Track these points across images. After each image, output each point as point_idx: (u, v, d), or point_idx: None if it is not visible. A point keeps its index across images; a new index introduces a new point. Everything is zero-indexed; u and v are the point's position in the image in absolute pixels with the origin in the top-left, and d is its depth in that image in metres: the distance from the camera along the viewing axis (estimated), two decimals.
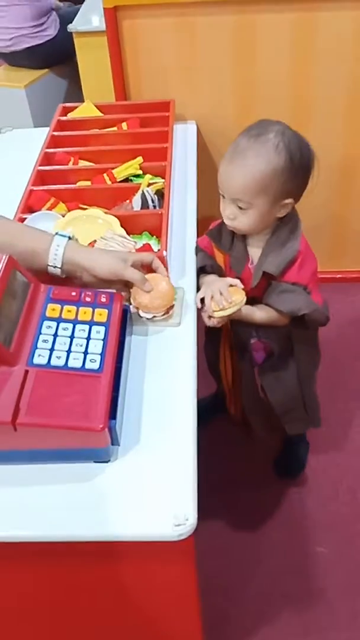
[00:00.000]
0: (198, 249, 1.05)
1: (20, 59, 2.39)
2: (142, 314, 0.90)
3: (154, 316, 0.90)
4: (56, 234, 0.87)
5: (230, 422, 1.27)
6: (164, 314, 0.91)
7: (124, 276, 0.87)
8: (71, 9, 2.24)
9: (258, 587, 1.18)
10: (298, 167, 0.90)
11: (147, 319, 0.91)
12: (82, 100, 1.49)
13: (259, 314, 0.98)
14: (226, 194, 0.92)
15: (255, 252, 0.99)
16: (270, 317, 0.98)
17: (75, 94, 2.57)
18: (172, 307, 0.92)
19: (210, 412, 1.38)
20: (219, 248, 1.02)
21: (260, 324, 0.99)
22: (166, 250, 0.98)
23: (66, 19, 2.11)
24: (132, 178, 1.20)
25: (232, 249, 1.00)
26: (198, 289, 0.97)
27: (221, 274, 1.02)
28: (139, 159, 1.21)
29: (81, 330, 0.80)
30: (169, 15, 1.40)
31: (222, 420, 1.35)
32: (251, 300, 0.98)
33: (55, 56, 2.37)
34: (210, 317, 0.94)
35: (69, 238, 0.87)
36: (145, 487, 0.71)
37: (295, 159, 0.89)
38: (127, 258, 0.88)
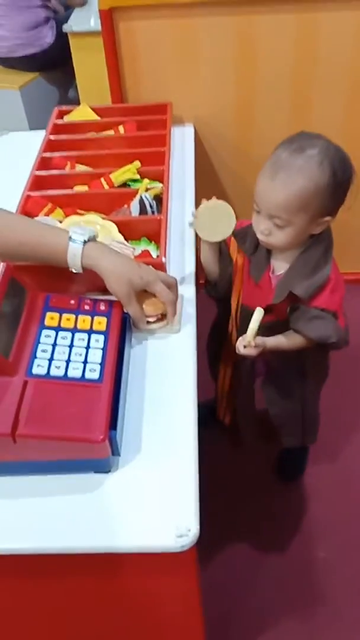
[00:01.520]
0: None
1: (16, 63, 2.37)
2: None
3: (148, 321, 0.90)
4: (70, 238, 0.83)
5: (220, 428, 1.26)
6: (157, 320, 0.90)
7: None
8: (69, 14, 2.22)
9: (260, 593, 1.17)
10: (340, 184, 0.87)
11: None
12: (77, 102, 1.48)
13: (286, 341, 0.96)
14: (263, 210, 0.88)
15: (278, 263, 0.96)
16: (296, 343, 0.95)
17: (70, 95, 2.56)
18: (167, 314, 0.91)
19: (213, 415, 1.38)
20: (241, 249, 0.99)
21: (288, 350, 0.97)
22: (165, 257, 0.97)
23: (64, 24, 2.10)
24: (129, 182, 1.19)
25: (254, 254, 0.98)
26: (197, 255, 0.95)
27: (227, 266, 1.00)
28: (137, 163, 1.20)
29: (80, 339, 0.80)
30: (166, 16, 1.39)
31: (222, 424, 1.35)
32: (273, 325, 0.96)
33: (52, 62, 2.36)
34: (245, 346, 0.91)
35: (85, 242, 0.83)
36: (146, 497, 0.71)
37: (338, 176, 0.85)
38: (149, 281, 0.85)
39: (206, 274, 1.05)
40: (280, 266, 0.96)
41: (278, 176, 0.85)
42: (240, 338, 0.92)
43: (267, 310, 0.96)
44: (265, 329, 0.98)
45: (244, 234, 0.97)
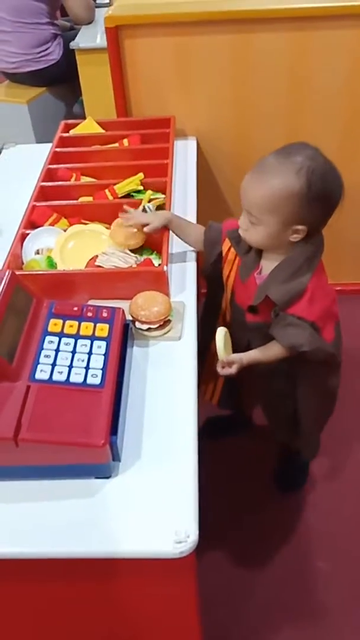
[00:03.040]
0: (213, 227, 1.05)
1: (24, 79, 2.42)
2: (138, 325, 0.91)
3: (149, 328, 0.91)
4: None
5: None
6: (158, 327, 0.91)
7: None
8: (76, 31, 2.27)
9: (258, 602, 1.17)
10: (315, 196, 0.86)
11: (143, 330, 0.91)
12: (81, 116, 1.51)
13: (262, 354, 0.97)
14: (243, 205, 0.92)
15: (266, 265, 0.97)
16: (275, 352, 0.96)
17: (75, 110, 2.61)
18: (168, 321, 0.93)
19: (219, 431, 1.38)
20: (235, 250, 1.01)
21: (268, 361, 0.98)
22: (167, 265, 0.99)
23: (70, 41, 2.15)
24: (133, 194, 1.21)
25: (246, 254, 0.99)
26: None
27: (214, 252, 1.04)
28: (140, 175, 1.22)
29: (83, 345, 0.81)
30: (169, 34, 1.43)
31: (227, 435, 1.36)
32: (260, 326, 0.98)
33: (58, 77, 2.40)
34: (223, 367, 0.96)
35: None
36: (146, 503, 0.71)
37: (314, 187, 0.86)
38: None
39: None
40: (267, 268, 0.97)
41: (257, 174, 0.89)
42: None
43: (252, 310, 0.99)
44: (253, 330, 1.01)
45: (238, 235, 0.99)
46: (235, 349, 1.02)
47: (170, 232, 1.07)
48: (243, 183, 0.91)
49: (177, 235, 1.08)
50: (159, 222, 1.04)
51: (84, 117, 1.50)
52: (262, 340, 0.99)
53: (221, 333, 0.95)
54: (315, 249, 0.94)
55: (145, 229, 1.04)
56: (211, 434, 1.35)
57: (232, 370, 0.95)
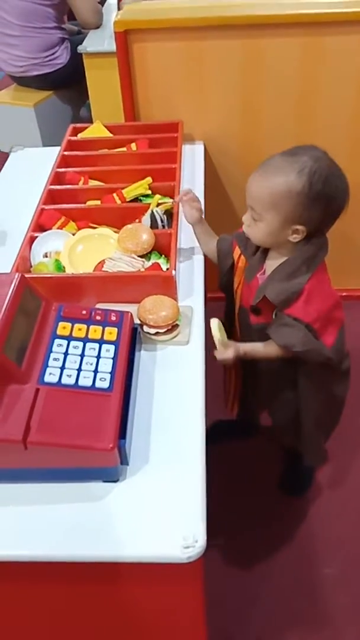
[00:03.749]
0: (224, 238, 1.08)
1: (31, 82, 2.44)
2: (146, 329, 0.91)
3: (157, 332, 0.91)
4: None
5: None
6: (166, 331, 0.92)
7: None
8: (84, 36, 2.29)
9: (264, 608, 1.16)
10: (315, 197, 0.88)
11: (151, 334, 0.91)
12: (88, 120, 1.51)
13: (262, 347, 0.99)
14: (247, 200, 0.94)
15: (270, 264, 0.98)
16: (272, 350, 0.97)
17: (81, 113, 2.62)
18: (176, 325, 0.93)
19: (225, 436, 1.38)
20: (242, 252, 1.03)
21: (264, 357, 0.99)
22: (175, 270, 0.99)
23: (78, 45, 2.16)
24: (141, 198, 1.22)
25: (253, 256, 1.01)
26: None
27: (226, 265, 1.07)
28: (149, 179, 1.23)
29: (91, 349, 0.81)
30: (178, 39, 1.43)
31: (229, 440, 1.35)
32: (263, 327, 0.98)
33: (65, 81, 2.42)
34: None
35: None
36: (154, 507, 0.71)
37: (314, 188, 0.87)
38: None
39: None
40: (270, 269, 0.98)
41: (262, 171, 0.91)
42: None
43: (254, 311, 1.00)
44: (256, 331, 1.02)
45: (245, 238, 1.01)
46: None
47: (179, 236, 1.08)
48: (249, 179, 0.93)
49: (199, 239, 1.11)
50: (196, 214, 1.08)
51: (90, 121, 1.51)
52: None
53: (215, 321, 0.97)
54: (315, 251, 0.94)
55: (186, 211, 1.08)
56: (217, 438, 1.35)
57: (229, 354, 0.96)
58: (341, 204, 0.92)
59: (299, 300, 0.93)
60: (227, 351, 0.97)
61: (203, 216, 1.10)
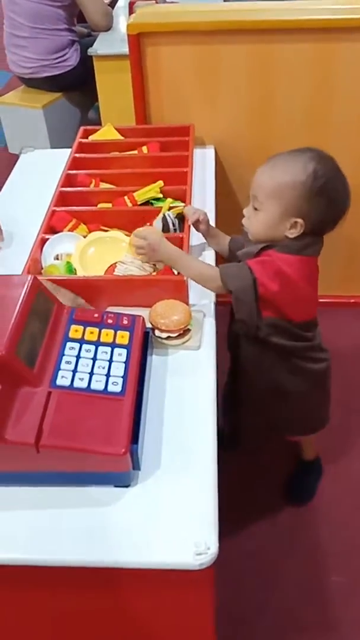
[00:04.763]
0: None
1: (40, 84, 2.44)
2: (157, 333, 0.91)
3: (169, 336, 0.91)
4: None
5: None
6: (177, 336, 0.91)
7: None
8: (93, 39, 2.29)
9: (272, 616, 1.15)
10: (317, 192, 0.91)
11: (162, 339, 0.91)
12: (96, 122, 1.51)
13: (188, 257, 1.00)
14: (251, 190, 0.96)
15: None
16: (200, 267, 0.98)
17: (90, 116, 2.63)
18: (188, 330, 0.93)
19: (233, 442, 1.37)
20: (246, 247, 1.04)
21: (187, 271, 0.98)
22: None
23: (87, 48, 2.16)
24: (152, 201, 1.21)
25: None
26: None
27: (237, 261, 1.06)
28: (160, 183, 1.22)
29: (103, 352, 0.81)
30: (190, 42, 1.43)
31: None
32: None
33: (74, 83, 2.42)
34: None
35: None
36: (165, 513, 0.71)
37: (317, 182, 0.91)
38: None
39: None
40: None
41: (268, 165, 0.96)
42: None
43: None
44: (237, 322, 1.01)
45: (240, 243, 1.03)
46: (228, 342, 1.08)
47: (190, 239, 1.08)
48: (256, 172, 0.96)
49: (211, 238, 1.12)
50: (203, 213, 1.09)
51: (99, 123, 1.51)
52: (246, 337, 1.01)
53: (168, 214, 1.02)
54: (304, 245, 0.95)
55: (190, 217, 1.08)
56: (224, 444, 1.35)
57: (151, 237, 0.97)
58: (342, 208, 0.94)
59: (261, 255, 0.94)
60: (150, 234, 0.98)
61: (213, 224, 1.13)
